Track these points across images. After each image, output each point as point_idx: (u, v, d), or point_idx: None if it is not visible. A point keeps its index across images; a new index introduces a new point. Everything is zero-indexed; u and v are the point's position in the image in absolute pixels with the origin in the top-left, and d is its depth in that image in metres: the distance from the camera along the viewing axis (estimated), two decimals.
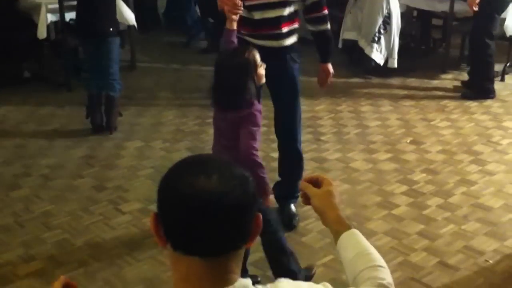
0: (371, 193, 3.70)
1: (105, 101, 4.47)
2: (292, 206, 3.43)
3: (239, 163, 1.22)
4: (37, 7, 5.24)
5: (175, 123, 4.78)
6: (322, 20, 3.19)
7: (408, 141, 4.43)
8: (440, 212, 3.49)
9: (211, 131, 4.59)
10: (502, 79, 5.75)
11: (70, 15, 5.18)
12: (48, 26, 5.34)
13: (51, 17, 5.31)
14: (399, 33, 5.64)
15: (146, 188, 3.68)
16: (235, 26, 2.77)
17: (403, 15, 5.79)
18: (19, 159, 4.16)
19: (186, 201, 1.08)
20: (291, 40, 3.13)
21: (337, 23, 6.05)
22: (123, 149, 4.32)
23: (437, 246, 3.17)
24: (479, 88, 5.30)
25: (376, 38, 5.67)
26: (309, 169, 3.98)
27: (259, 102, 2.69)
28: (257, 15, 3.03)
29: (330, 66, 3.33)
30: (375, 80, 5.76)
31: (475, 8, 4.96)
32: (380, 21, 5.54)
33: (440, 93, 5.46)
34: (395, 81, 5.72)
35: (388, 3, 5.47)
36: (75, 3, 4.61)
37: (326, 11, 3.18)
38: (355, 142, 4.46)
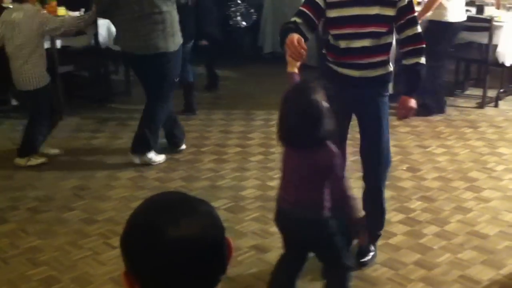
0: None
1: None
2: None
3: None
4: None
5: (170, 152, 4.64)
6: (416, 52, 2.90)
7: (404, 168, 4.30)
8: (437, 240, 3.36)
9: (206, 159, 4.55)
10: (496, 105, 5.70)
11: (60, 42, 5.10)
12: None
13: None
14: (394, 60, 5.56)
15: None
16: (296, 69, 2.62)
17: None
18: (6, 192, 3.98)
19: (163, 252, 1.06)
20: (376, 73, 2.92)
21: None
22: (115, 179, 4.17)
23: (433, 276, 3.03)
24: (431, 105, 5.33)
25: None
26: None
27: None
28: (343, 44, 2.89)
29: (413, 101, 3.01)
30: None
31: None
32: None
33: (435, 119, 5.36)
34: (392, 107, 5.59)
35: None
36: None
37: (423, 45, 2.91)
38: (352, 169, 4.32)
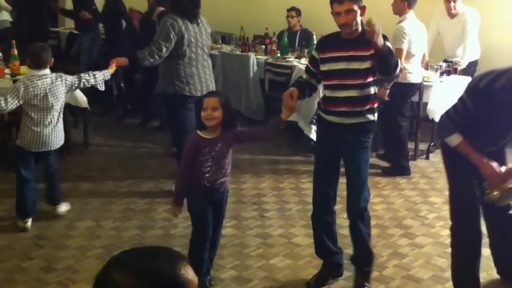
0: (312, 267, 3.69)
1: None
2: None
3: None
4: None
5: (126, 202, 4.70)
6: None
7: (345, 217, 4.45)
8: (375, 285, 3.50)
9: (160, 209, 4.62)
10: (427, 157, 5.96)
11: None
12: None
13: None
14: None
15: (95, 269, 3.52)
16: (286, 116, 3.20)
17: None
18: None
19: None
20: (355, 120, 3.22)
21: (279, 106, 6.23)
22: (73, 229, 4.20)
23: None
24: (395, 166, 5.49)
25: (314, 120, 5.83)
26: (253, 245, 3.97)
27: None
28: (328, 93, 3.29)
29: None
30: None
31: (387, 98, 5.18)
32: (317, 104, 5.70)
33: (373, 170, 5.55)
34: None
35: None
36: None
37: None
38: (297, 218, 4.49)
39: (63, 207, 4.41)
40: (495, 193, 2.98)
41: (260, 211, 4.59)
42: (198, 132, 3.26)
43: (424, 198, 4.91)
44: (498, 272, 3.56)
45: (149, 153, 5.88)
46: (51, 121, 4.07)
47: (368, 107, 3.22)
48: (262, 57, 6.83)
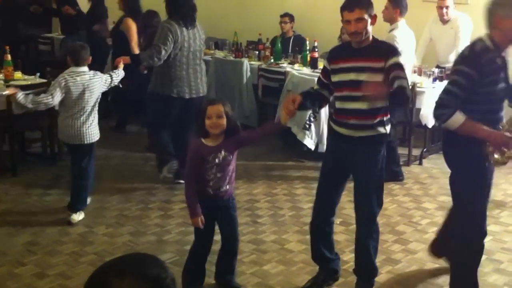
0: (305, 273, 3.69)
1: None
2: None
3: None
4: None
5: (119, 208, 4.69)
6: (397, 78, 3.05)
7: (338, 222, 4.47)
8: None
9: (153, 215, 4.61)
10: (420, 163, 5.97)
11: None
12: None
13: None
14: (327, 120, 5.83)
15: (88, 275, 3.51)
16: (285, 121, 3.18)
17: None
18: None
19: None
20: (363, 133, 3.18)
21: (273, 112, 6.27)
22: (66, 235, 4.19)
23: None
24: (387, 171, 5.46)
25: (307, 126, 5.85)
26: (247, 251, 3.97)
27: None
28: (338, 105, 3.26)
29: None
30: (308, 163, 5.88)
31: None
32: (310, 110, 5.72)
33: None
34: None
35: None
36: None
37: (408, 95, 3.09)
38: (290, 223, 4.49)
39: (74, 217, 4.39)
40: (505, 159, 3.08)
41: (253, 217, 4.59)
42: (202, 140, 3.24)
43: (417, 204, 4.91)
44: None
45: (143, 159, 5.86)
46: (86, 115, 4.31)
47: (378, 119, 3.16)
48: (256, 63, 6.84)
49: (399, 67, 3.10)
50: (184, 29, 4.83)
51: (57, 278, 3.57)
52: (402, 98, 3.08)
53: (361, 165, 3.26)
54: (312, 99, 3.30)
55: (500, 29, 2.95)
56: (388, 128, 3.23)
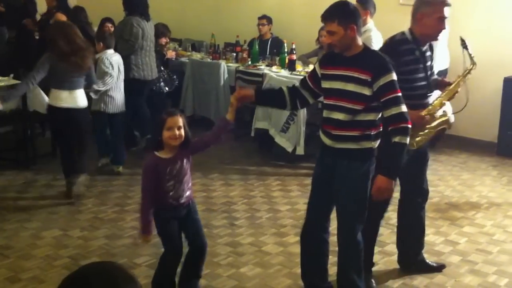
0: (282, 276, 3.71)
1: None
2: None
3: None
4: None
5: (94, 211, 4.66)
6: (394, 132, 2.96)
7: None
8: None
9: (129, 218, 4.59)
10: None
11: None
12: None
13: None
14: (305, 123, 5.86)
15: (62, 279, 3.50)
16: (231, 117, 3.19)
17: (308, 107, 6.03)
18: None
19: None
20: (345, 145, 3.04)
21: (250, 114, 6.28)
22: (39, 238, 4.14)
23: None
24: None
25: (285, 128, 5.88)
26: (223, 254, 3.97)
27: None
28: (325, 113, 3.13)
29: (384, 181, 3.01)
30: (285, 166, 5.90)
31: None
32: (288, 112, 5.75)
33: None
34: (303, 167, 5.88)
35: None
36: None
37: (403, 124, 2.95)
38: (267, 226, 4.50)
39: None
40: (418, 138, 3.39)
41: (230, 219, 4.59)
42: (156, 153, 3.16)
43: (394, 206, 4.92)
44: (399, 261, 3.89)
45: None
46: (118, 88, 5.44)
47: (361, 133, 3.00)
48: (233, 65, 6.86)
49: (393, 88, 2.94)
50: (145, 22, 5.89)
51: (31, 282, 3.52)
52: (399, 158, 3.00)
53: (342, 180, 3.10)
54: (279, 95, 3.23)
55: (421, 25, 3.32)
56: (376, 143, 3.06)
